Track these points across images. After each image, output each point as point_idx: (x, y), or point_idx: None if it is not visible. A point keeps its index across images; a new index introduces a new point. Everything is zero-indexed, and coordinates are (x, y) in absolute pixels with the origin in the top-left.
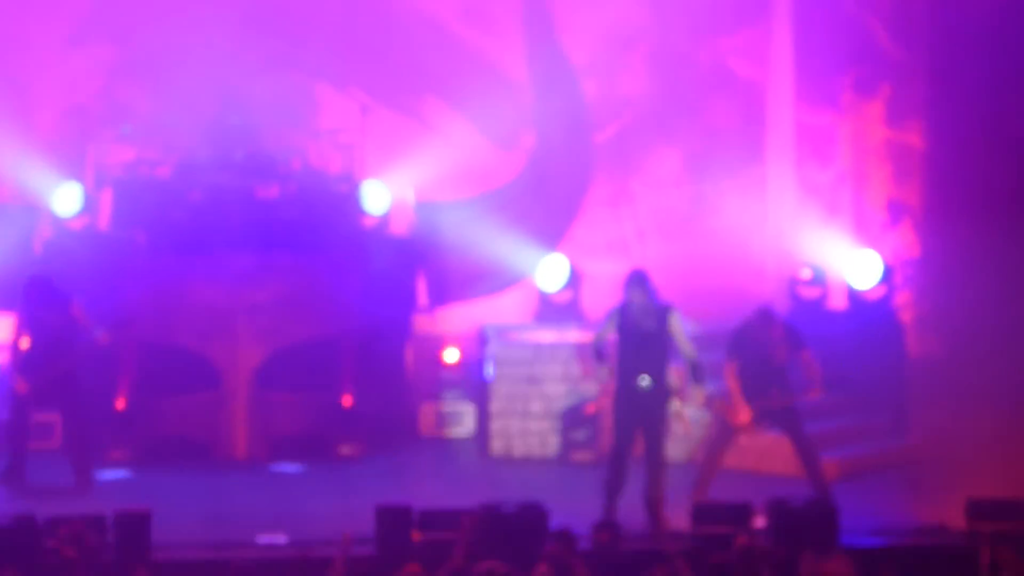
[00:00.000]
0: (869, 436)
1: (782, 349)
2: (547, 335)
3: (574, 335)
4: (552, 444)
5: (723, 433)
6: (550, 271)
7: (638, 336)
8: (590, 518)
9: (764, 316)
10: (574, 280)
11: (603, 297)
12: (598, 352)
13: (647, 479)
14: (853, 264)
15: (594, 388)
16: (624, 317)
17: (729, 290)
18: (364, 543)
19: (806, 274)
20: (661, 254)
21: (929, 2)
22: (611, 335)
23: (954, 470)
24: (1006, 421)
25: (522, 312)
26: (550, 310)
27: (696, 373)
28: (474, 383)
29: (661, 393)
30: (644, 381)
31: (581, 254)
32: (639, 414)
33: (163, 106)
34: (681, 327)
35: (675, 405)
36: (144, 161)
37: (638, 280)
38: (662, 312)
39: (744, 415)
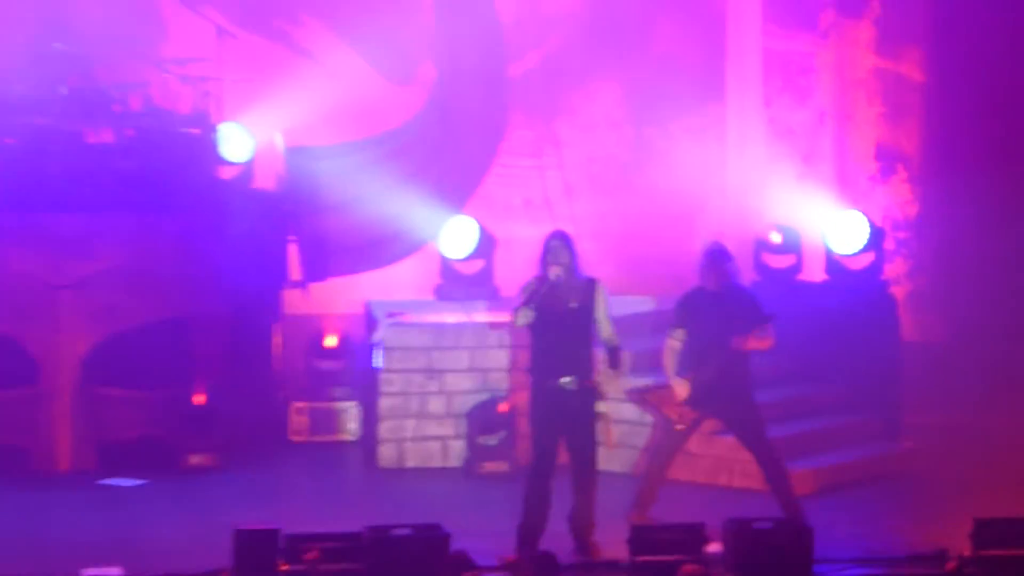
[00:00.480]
0: (852, 440)
1: (741, 319)
2: (451, 315)
3: (485, 315)
4: (456, 451)
5: (668, 436)
6: (455, 236)
7: (560, 318)
8: (502, 544)
9: (718, 270)
10: (485, 246)
11: (521, 268)
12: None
13: (574, 498)
14: (834, 226)
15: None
16: (543, 294)
17: (679, 258)
18: None
19: (775, 238)
20: (594, 214)
21: None
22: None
23: (958, 482)
24: (1022, 420)
25: (421, 287)
26: (455, 284)
27: (614, 358)
28: (359, 376)
29: (589, 391)
30: (567, 380)
31: (494, 215)
32: (563, 419)
33: None
34: (606, 305)
35: (602, 406)
36: None
37: (562, 246)
38: (588, 287)
39: (680, 390)
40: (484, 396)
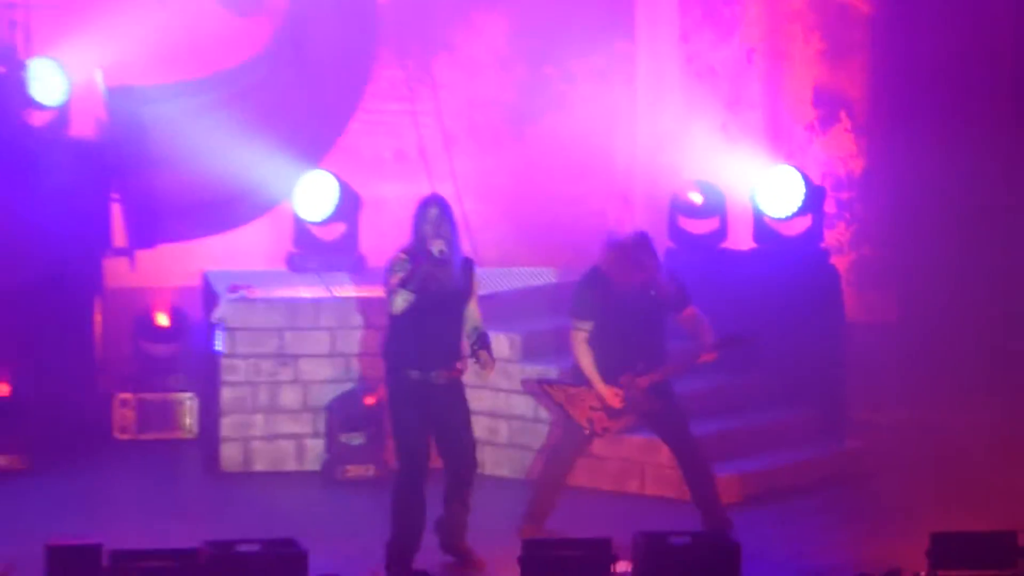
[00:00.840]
0: (788, 439)
1: (658, 303)
2: (307, 289)
3: (348, 289)
4: (314, 452)
5: (569, 438)
6: (312, 195)
7: (440, 303)
8: (369, 562)
9: (634, 250)
10: (348, 208)
11: (391, 233)
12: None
13: (446, 507)
14: (764, 184)
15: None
16: (416, 270)
17: (579, 222)
18: None
19: (695, 198)
20: (478, 170)
21: None
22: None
23: (911, 490)
24: (984, 416)
25: (270, 256)
26: (312, 252)
27: (483, 340)
28: (197, 362)
29: (458, 383)
30: (437, 373)
31: (359, 170)
32: (433, 415)
33: None
34: (477, 289)
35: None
36: None
37: (442, 216)
38: (467, 267)
39: (611, 400)
40: (347, 386)
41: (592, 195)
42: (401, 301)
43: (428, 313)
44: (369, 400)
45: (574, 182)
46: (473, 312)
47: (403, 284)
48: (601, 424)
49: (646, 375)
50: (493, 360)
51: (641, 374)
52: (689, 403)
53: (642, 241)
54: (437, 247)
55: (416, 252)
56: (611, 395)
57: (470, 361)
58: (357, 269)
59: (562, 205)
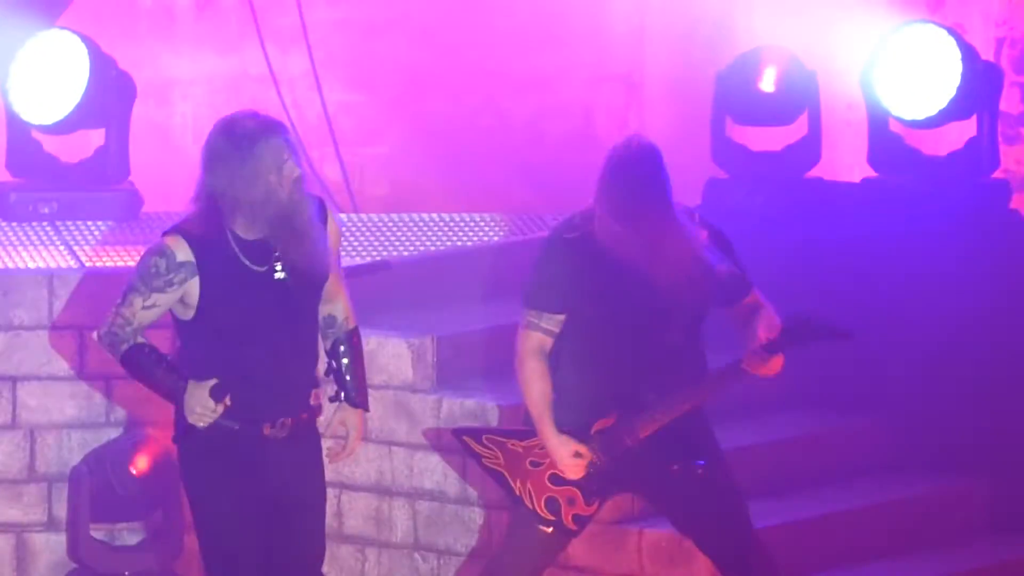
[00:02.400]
0: (937, 533)
1: (691, 288)
2: (32, 253)
3: (109, 253)
4: (48, 558)
5: (521, 537)
6: (42, 77)
7: (263, 289)
8: None
9: (643, 185)
10: (109, 100)
11: (186, 149)
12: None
13: None
14: (887, 59)
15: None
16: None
17: (542, 134)
18: None
19: (765, 80)
20: (350, 25)
21: None
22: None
23: None
24: None
25: None
26: (43, 182)
27: (355, 360)
28: None
29: (310, 434)
30: (276, 422)
31: (129, 32)
32: (267, 495)
33: None
34: (338, 242)
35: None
36: None
37: (263, 127)
38: (319, 210)
39: (566, 460)
40: (108, 435)
41: (568, 78)
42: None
43: (244, 309)
44: (143, 459)
45: (535, 54)
46: (332, 283)
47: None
48: (574, 510)
49: (651, 415)
50: (357, 428)
51: (645, 414)
52: (747, 467)
53: (639, 151)
54: (291, 173)
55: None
56: (565, 454)
57: (326, 392)
58: (126, 214)
59: (513, 99)
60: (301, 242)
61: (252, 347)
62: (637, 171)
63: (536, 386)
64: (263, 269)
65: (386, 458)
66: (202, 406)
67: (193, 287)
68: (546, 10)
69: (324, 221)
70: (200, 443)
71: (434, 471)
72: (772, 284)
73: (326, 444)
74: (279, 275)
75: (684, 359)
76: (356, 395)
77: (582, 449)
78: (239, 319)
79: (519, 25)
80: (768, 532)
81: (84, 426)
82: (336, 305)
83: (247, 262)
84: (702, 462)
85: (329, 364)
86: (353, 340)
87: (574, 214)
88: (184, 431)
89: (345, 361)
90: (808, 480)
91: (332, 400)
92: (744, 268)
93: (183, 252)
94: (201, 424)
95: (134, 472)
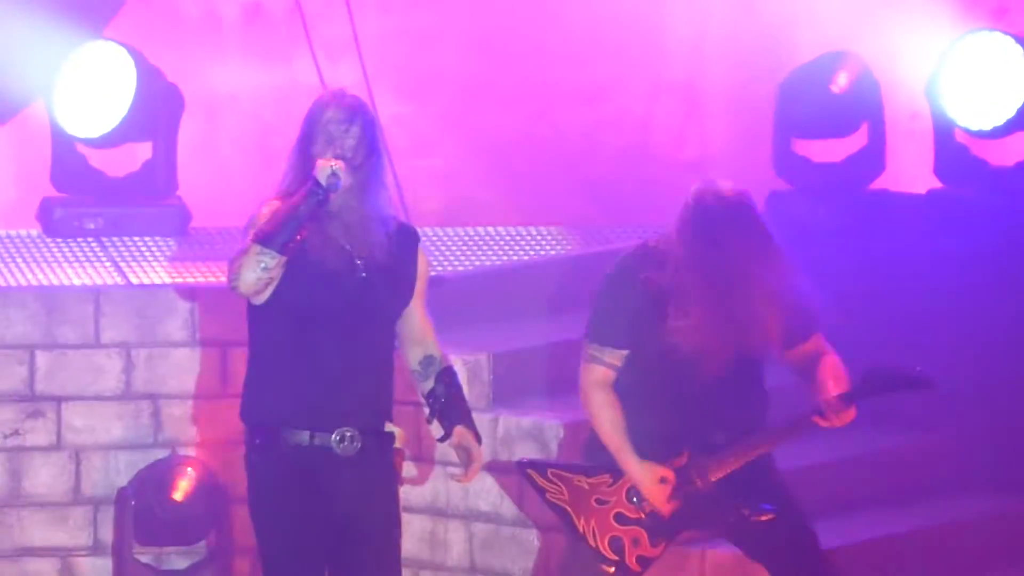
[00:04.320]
0: (988, 534)
1: (771, 320)
2: (77, 269)
3: (157, 270)
4: None
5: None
6: (88, 88)
7: (336, 292)
8: None
9: (727, 227)
10: (156, 113)
11: (240, 163)
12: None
13: None
14: (953, 66)
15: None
16: (293, 211)
17: (599, 144)
18: None
19: (838, 82)
20: (405, 37)
21: None
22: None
23: None
24: None
25: (8, 205)
26: (88, 197)
27: (449, 389)
28: None
29: (383, 457)
30: (341, 436)
31: (177, 43)
32: (333, 517)
33: None
34: (425, 281)
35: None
36: None
37: (352, 123)
38: (405, 238)
39: (655, 494)
40: (155, 455)
41: (624, 89)
42: (253, 268)
43: (311, 314)
44: (188, 482)
45: (591, 64)
46: (417, 322)
47: (264, 239)
48: (639, 550)
49: (722, 459)
50: (478, 445)
51: (716, 457)
52: (814, 486)
53: (742, 211)
54: (326, 171)
55: (304, 191)
56: (650, 480)
57: (433, 432)
58: (174, 230)
59: (569, 111)
60: (341, 234)
61: (318, 335)
62: (731, 230)
63: (606, 415)
64: (355, 264)
65: (441, 479)
66: (327, 163)
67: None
68: (602, 19)
69: (408, 243)
70: (261, 459)
71: (490, 492)
72: (835, 299)
73: (450, 471)
74: (362, 268)
75: (751, 397)
76: (472, 422)
77: (667, 474)
78: (306, 301)
79: (574, 34)
80: (835, 553)
81: (131, 447)
82: (429, 344)
83: (324, 241)
84: (770, 507)
85: (433, 406)
86: (454, 378)
87: (643, 246)
88: (249, 448)
89: (455, 392)
90: (877, 498)
91: (441, 440)
92: (814, 311)
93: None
94: (341, 171)
95: (177, 496)
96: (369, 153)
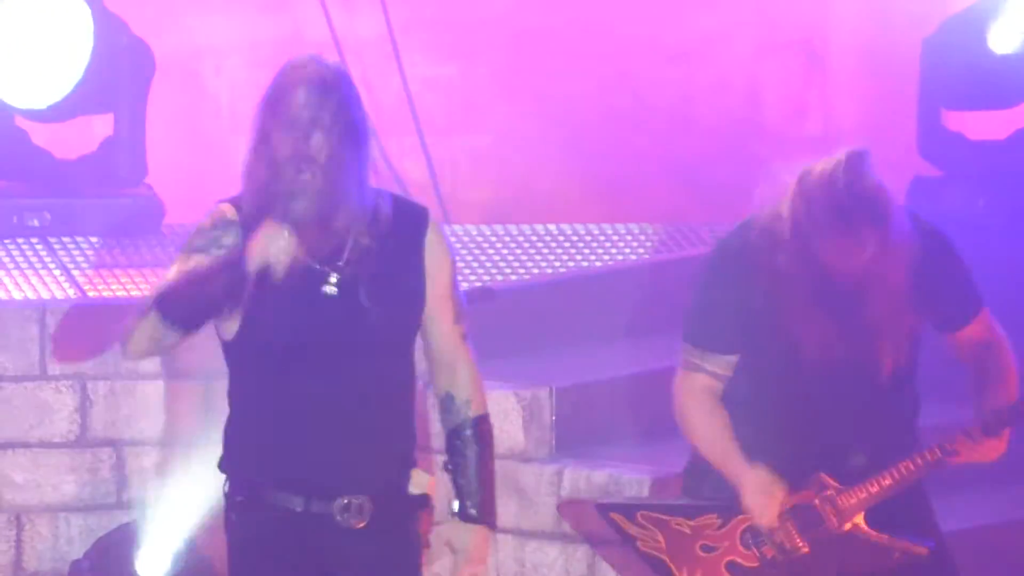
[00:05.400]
0: None
1: (906, 314)
2: (18, 281)
3: (121, 279)
4: None
5: None
6: (33, 48)
7: (313, 317)
8: None
9: (847, 193)
10: (119, 78)
11: (223, 143)
12: None
13: None
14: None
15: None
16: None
17: (696, 119)
18: None
19: (1000, 46)
20: None
21: None
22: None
23: None
24: None
25: None
26: (32, 186)
27: (480, 462)
28: None
29: (401, 527)
30: (352, 504)
31: None
32: None
33: None
34: (451, 275)
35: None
36: None
37: (314, 100)
38: (412, 223)
39: (762, 512)
40: (118, 519)
41: (728, 47)
42: (146, 341)
43: (291, 357)
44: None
45: (685, 15)
46: (443, 336)
47: (164, 307)
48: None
49: (862, 493)
50: (478, 546)
51: (854, 490)
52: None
53: (860, 172)
54: (262, 254)
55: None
56: (760, 490)
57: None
58: (142, 227)
59: (657, 73)
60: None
61: (296, 376)
62: (856, 182)
63: (708, 423)
64: (324, 278)
65: (490, 549)
66: (274, 233)
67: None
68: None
69: (419, 236)
70: (249, 519)
71: (552, 566)
72: (997, 313)
73: (432, 571)
74: (328, 289)
75: (892, 406)
76: (476, 506)
77: (777, 489)
78: (272, 335)
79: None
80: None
81: (87, 508)
82: (455, 378)
83: (310, 260)
84: (931, 544)
85: (445, 462)
86: (480, 430)
87: (748, 221)
88: (231, 512)
89: (464, 459)
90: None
91: (453, 515)
92: (972, 284)
93: (232, 213)
94: (280, 260)
95: (144, 572)
96: (347, 141)
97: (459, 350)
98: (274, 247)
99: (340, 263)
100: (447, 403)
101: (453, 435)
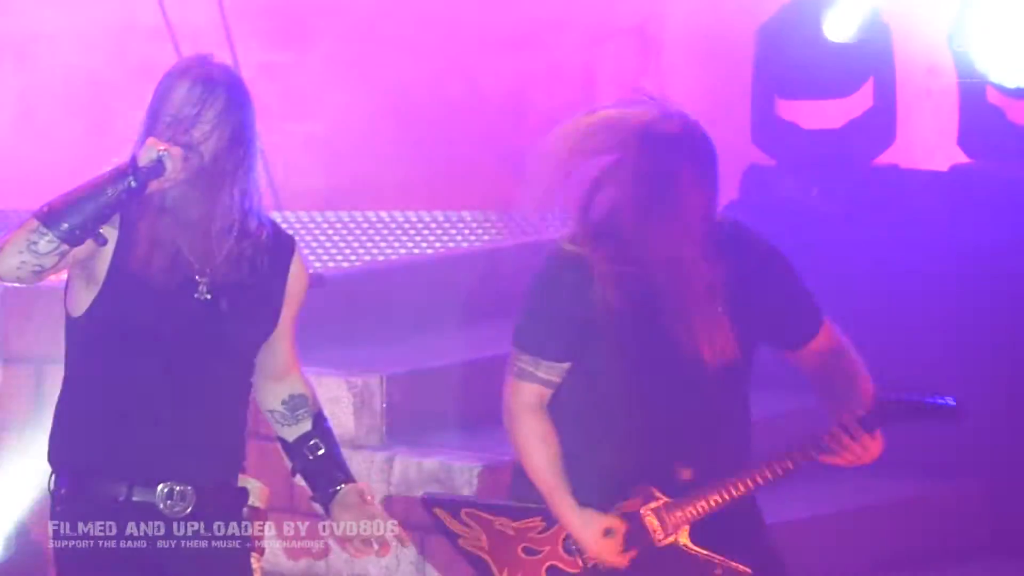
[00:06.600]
0: None
1: (738, 323)
2: None
3: None
4: None
5: None
6: None
7: (171, 315)
8: None
9: (679, 171)
10: None
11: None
12: None
13: None
14: (979, 16)
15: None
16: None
17: (529, 103)
18: None
19: (834, 34)
20: None
21: None
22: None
23: None
24: None
25: None
26: None
27: (324, 437)
28: None
29: (230, 516)
30: (174, 490)
31: None
32: None
33: None
34: (299, 301)
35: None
36: None
37: (199, 94)
38: (279, 247)
39: (604, 550)
40: None
41: (562, 34)
42: (19, 253)
43: (141, 346)
44: None
45: (520, 3)
46: (282, 354)
47: (46, 216)
48: None
49: (688, 506)
50: (368, 499)
51: (680, 504)
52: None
53: (696, 143)
54: (151, 153)
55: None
56: (592, 535)
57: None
58: None
59: (491, 62)
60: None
61: (140, 365)
62: (691, 157)
63: (540, 450)
64: (193, 274)
65: (317, 537)
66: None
67: (106, 253)
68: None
69: (284, 259)
70: (73, 511)
71: (379, 561)
72: (830, 306)
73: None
74: (205, 290)
75: (724, 424)
76: (346, 474)
77: (613, 523)
78: (124, 323)
79: None
80: None
81: None
82: (294, 380)
83: (186, 254)
84: (748, 569)
85: (304, 457)
86: (326, 425)
87: (587, 222)
88: (56, 505)
89: (332, 436)
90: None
91: (313, 500)
92: (809, 296)
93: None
94: (172, 154)
95: None
96: (232, 142)
97: (295, 361)
98: (163, 145)
99: (213, 265)
100: (296, 402)
101: (319, 418)
